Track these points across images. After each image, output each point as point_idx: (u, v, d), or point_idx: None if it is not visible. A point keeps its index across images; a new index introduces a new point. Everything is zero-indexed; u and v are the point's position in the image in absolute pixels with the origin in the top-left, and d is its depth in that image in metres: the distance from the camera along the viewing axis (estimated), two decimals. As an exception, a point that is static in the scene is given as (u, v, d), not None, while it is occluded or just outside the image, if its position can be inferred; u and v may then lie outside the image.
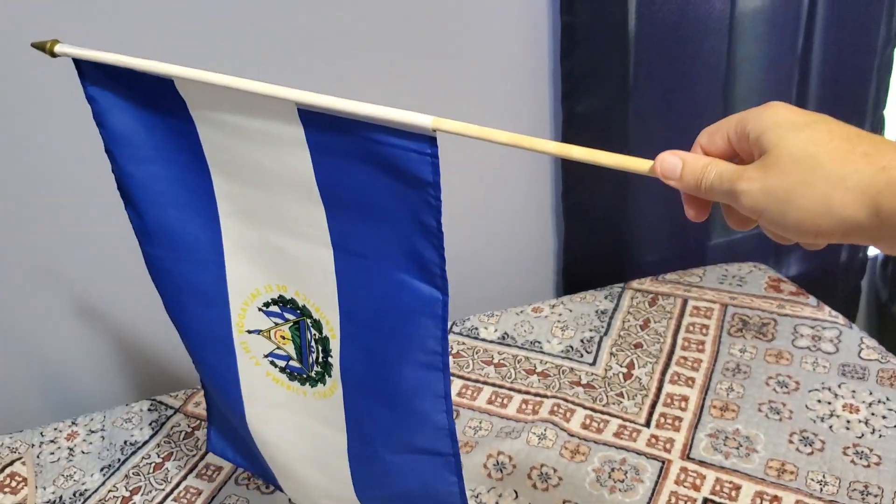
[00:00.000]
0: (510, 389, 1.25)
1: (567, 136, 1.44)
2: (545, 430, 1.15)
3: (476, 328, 1.39)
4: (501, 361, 1.31)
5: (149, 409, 1.28)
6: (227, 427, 0.93)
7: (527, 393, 1.24)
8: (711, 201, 0.52)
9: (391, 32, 1.31)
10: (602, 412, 1.19)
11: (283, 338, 0.79)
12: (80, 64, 0.71)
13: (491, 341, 1.36)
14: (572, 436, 1.14)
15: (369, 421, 0.76)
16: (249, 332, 0.80)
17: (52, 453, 1.21)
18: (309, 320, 0.76)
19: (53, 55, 0.70)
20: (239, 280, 0.78)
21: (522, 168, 1.52)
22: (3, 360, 1.33)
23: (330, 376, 0.77)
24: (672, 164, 0.51)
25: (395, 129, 0.57)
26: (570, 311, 1.41)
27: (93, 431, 1.25)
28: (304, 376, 0.80)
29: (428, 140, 0.56)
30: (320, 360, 0.77)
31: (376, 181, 0.62)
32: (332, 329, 0.74)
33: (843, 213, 0.43)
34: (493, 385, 1.27)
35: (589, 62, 1.37)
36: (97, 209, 1.27)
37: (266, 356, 0.81)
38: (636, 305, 1.41)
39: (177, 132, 0.72)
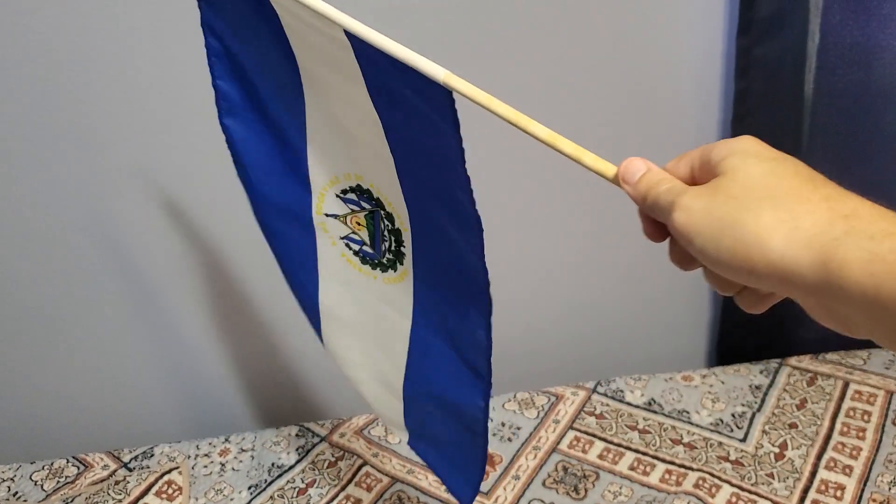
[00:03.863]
0: (654, 457, 1.22)
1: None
2: (688, 504, 1.12)
3: (622, 391, 1.37)
4: (646, 428, 1.28)
5: (296, 435, 1.33)
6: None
7: (671, 463, 1.21)
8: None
9: (565, 81, 1.33)
10: (750, 491, 1.14)
11: (359, 224, 0.81)
12: None
13: (636, 406, 1.34)
14: (716, 513, 1.10)
15: (434, 311, 0.78)
16: (327, 215, 0.83)
17: (206, 466, 1.28)
18: (382, 212, 0.78)
19: None
20: (320, 164, 0.80)
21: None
22: (166, 375, 1.42)
23: (401, 264, 0.79)
24: (635, 169, 0.49)
25: (418, 74, 0.57)
26: (723, 382, 1.37)
27: (244, 450, 1.31)
28: (376, 261, 0.82)
29: (445, 91, 0.56)
30: (392, 248, 0.79)
31: (413, 116, 0.62)
32: (403, 223, 0.75)
33: (784, 255, 0.38)
34: (637, 451, 1.24)
35: (761, 129, 1.34)
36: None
37: (342, 238, 0.83)
38: (793, 384, 1.35)
39: (265, 22, 0.72)
